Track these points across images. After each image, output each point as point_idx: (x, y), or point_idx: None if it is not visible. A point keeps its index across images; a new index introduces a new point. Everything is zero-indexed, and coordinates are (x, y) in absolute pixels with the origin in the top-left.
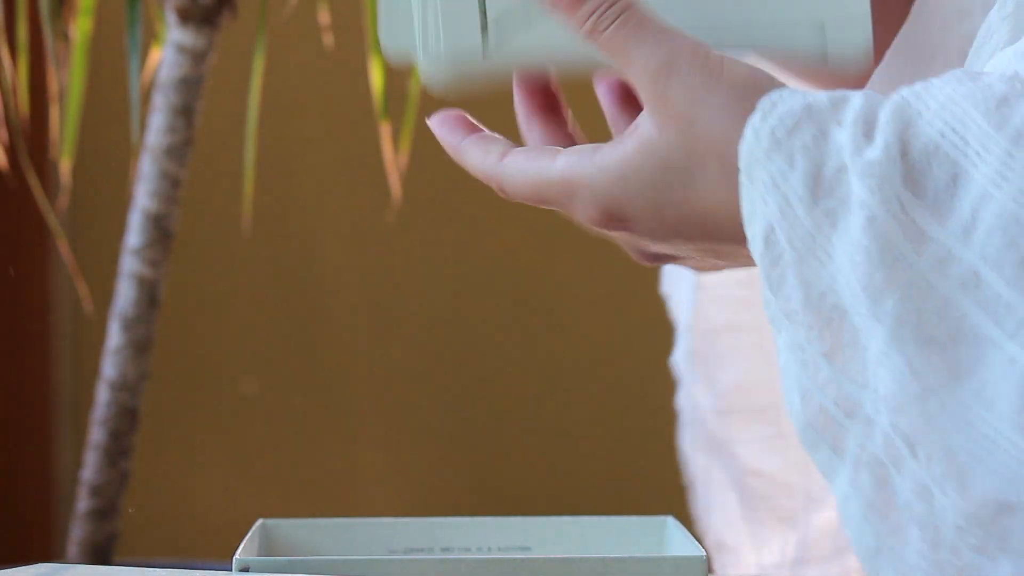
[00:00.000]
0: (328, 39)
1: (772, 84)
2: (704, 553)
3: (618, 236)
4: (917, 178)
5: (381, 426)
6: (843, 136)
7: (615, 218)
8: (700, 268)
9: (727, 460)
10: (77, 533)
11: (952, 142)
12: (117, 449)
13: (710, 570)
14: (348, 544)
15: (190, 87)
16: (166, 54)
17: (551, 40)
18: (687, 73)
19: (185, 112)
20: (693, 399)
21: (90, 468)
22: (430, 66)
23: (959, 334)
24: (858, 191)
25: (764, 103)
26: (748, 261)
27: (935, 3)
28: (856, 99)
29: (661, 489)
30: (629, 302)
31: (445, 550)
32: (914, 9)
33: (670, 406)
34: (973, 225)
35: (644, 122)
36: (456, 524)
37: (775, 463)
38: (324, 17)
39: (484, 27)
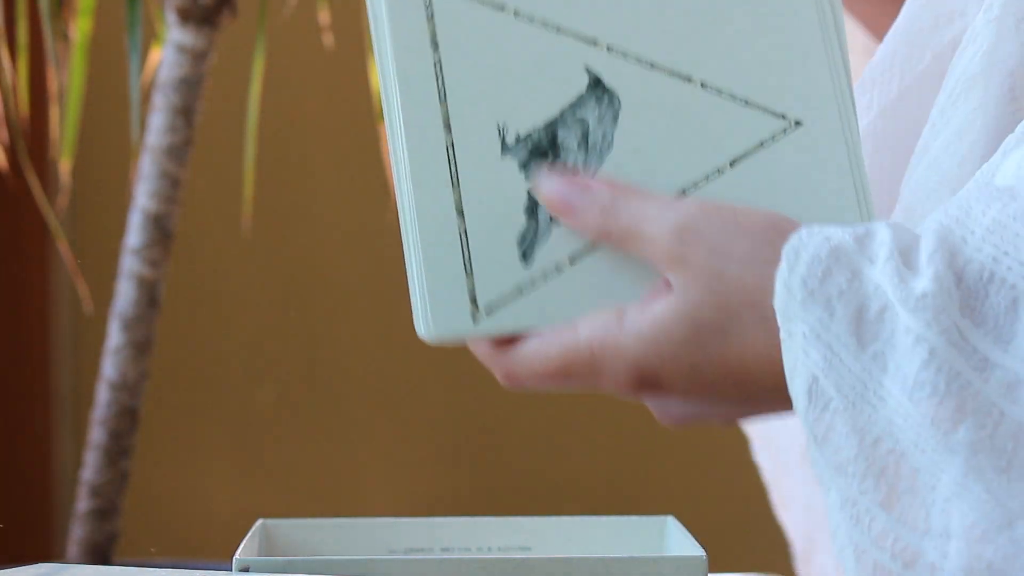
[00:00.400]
0: (328, 39)
1: (790, 226)
2: (704, 553)
3: (647, 401)
4: (973, 305)
5: (381, 426)
6: (879, 274)
7: (649, 385)
8: (725, 421)
9: None
10: (77, 533)
11: (1008, 266)
12: (117, 449)
13: (710, 570)
14: (348, 544)
15: (190, 87)
16: (166, 54)
17: (539, 314)
18: (704, 229)
19: (185, 112)
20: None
21: (90, 468)
22: (424, 331)
23: None
24: (911, 326)
25: (787, 252)
26: (782, 411)
27: (925, 1)
28: (882, 233)
29: (661, 489)
30: None
31: (445, 550)
32: (905, 7)
33: None
34: None
35: (670, 288)
36: (456, 524)
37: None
38: (324, 17)
39: (474, 314)
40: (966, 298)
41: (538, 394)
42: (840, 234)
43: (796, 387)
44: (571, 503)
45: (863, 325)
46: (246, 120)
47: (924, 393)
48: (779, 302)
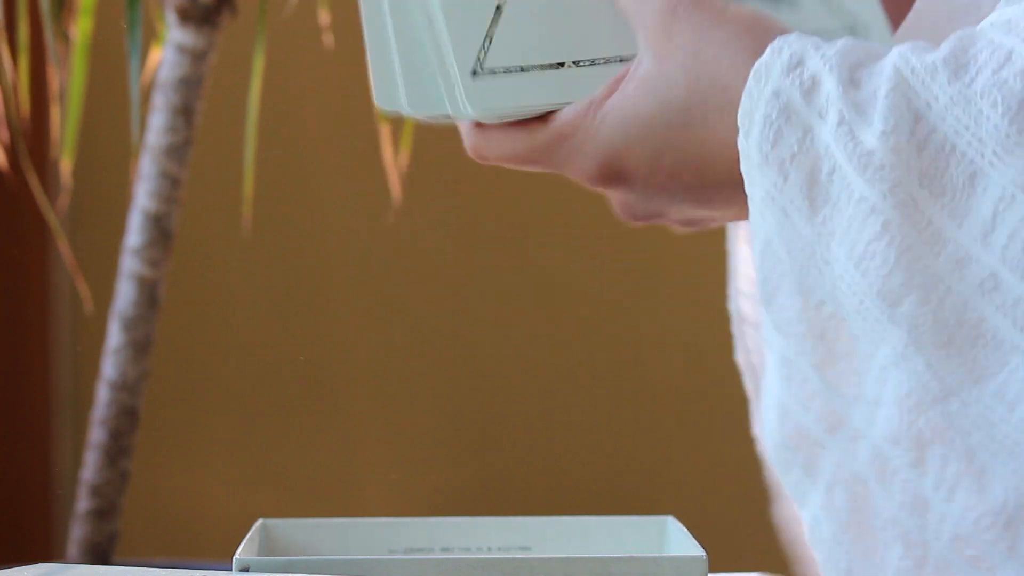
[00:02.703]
0: (328, 39)
1: (773, 26)
2: (704, 553)
3: (611, 193)
4: (933, 176)
5: (381, 426)
6: (828, 134)
7: (613, 172)
8: (688, 223)
9: None
10: (77, 533)
11: (968, 141)
12: (117, 449)
13: (710, 570)
14: (348, 544)
15: (190, 87)
16: (166, 54)
17: (523, 91)
18: (693, 10)
19: (185, 112)
20: None
21: (90, 468)
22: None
23: (978, 336)
24: (865, 195)
25: (741, 115)
26: (742, 210)
27: None
28: (828, 82)
29: (661, 489)
30: (630, 302)
31: (445, 550)
32: (919, 1)
33: (671, 406)
34: (993, 227)
35: (643, 63)
36: (456, 524)
37: None
38: (324, 17)
39: (449, 86)
40: (926, 167)
41: (538, 395)
42: (788, 87)
43: (754, 248)
44: (571, 503)
45: (815, 187)
46: (246, 120)
47: (874, 263)
48: (743, 166)
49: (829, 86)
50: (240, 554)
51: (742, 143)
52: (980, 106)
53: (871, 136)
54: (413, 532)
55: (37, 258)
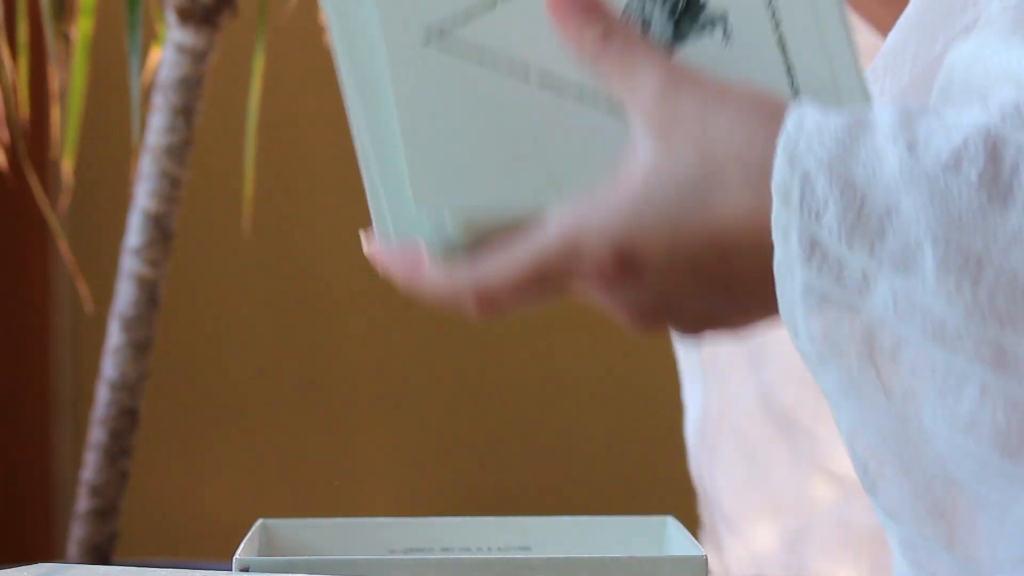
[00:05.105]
0: (328, 39)
1: (776, 101)
2: (704, 553)
3: (622, 293)
4: (1014, 312)
5: (381, 426)
6: (877, 305)
7: (627, 263)
8: (701, 325)
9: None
10: (77, 533)
11: None
12: (117, 449)
13: (710, 570)
14: (348, 544)
15: (190, 87)
16: (166, 54)
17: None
18: (694, 87)
19: (185, 112)
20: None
21: (90, 468)
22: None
23: None
24: (950, 364)
25: (782, 310)
26: (763, 308)
27: None
28: (853, 263)
29: (661, 489)
30: None
31: (445, 550)
32: None
33: (671, 406)
34: None
35: (644, 148)
36: (456, 524)
37: None
38: (324, 17)
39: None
40: (1004, 308)
41: (539, 395)
42: (815, 279)
43: (844, 440)
44: (571, 503)
45: (882, 364)
46: (246, 120)
47: (984, 428)
48: (805, 363)
49: (854, 267)
50: (240, 554)
51: (795, 341)
52: None
53: (933, 300)
54: (413, 532)
55: (37, 258)
